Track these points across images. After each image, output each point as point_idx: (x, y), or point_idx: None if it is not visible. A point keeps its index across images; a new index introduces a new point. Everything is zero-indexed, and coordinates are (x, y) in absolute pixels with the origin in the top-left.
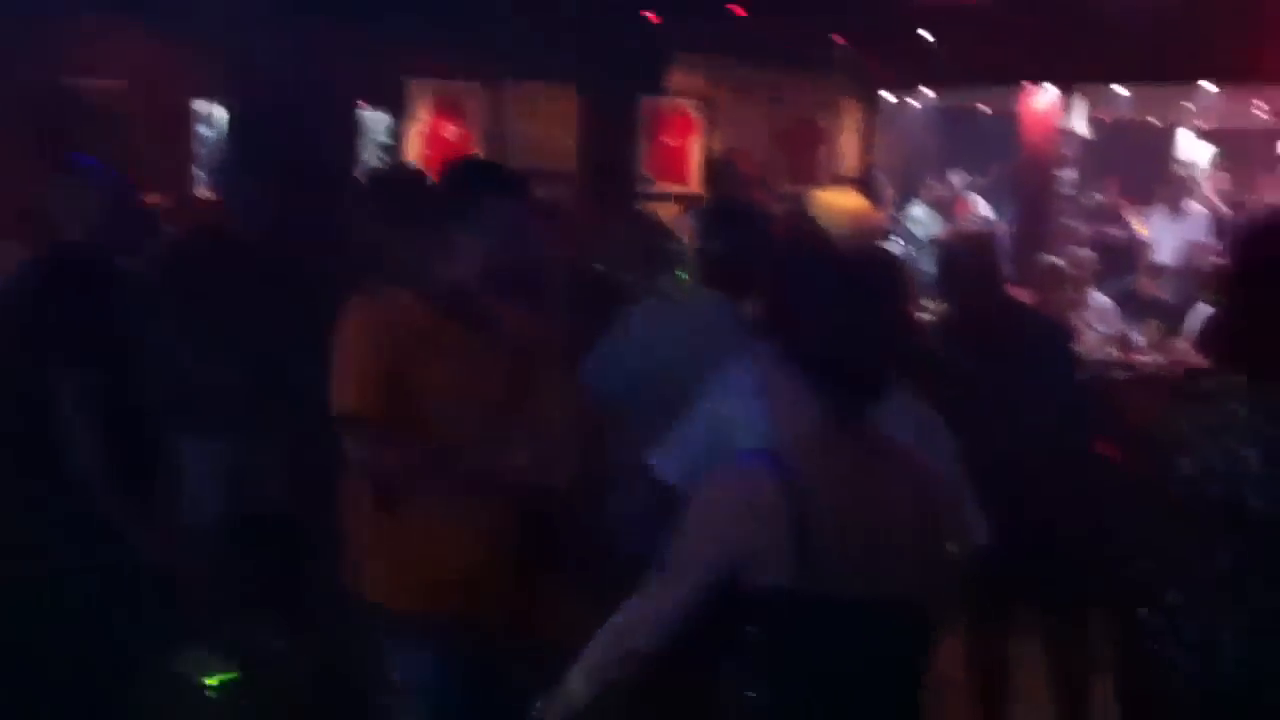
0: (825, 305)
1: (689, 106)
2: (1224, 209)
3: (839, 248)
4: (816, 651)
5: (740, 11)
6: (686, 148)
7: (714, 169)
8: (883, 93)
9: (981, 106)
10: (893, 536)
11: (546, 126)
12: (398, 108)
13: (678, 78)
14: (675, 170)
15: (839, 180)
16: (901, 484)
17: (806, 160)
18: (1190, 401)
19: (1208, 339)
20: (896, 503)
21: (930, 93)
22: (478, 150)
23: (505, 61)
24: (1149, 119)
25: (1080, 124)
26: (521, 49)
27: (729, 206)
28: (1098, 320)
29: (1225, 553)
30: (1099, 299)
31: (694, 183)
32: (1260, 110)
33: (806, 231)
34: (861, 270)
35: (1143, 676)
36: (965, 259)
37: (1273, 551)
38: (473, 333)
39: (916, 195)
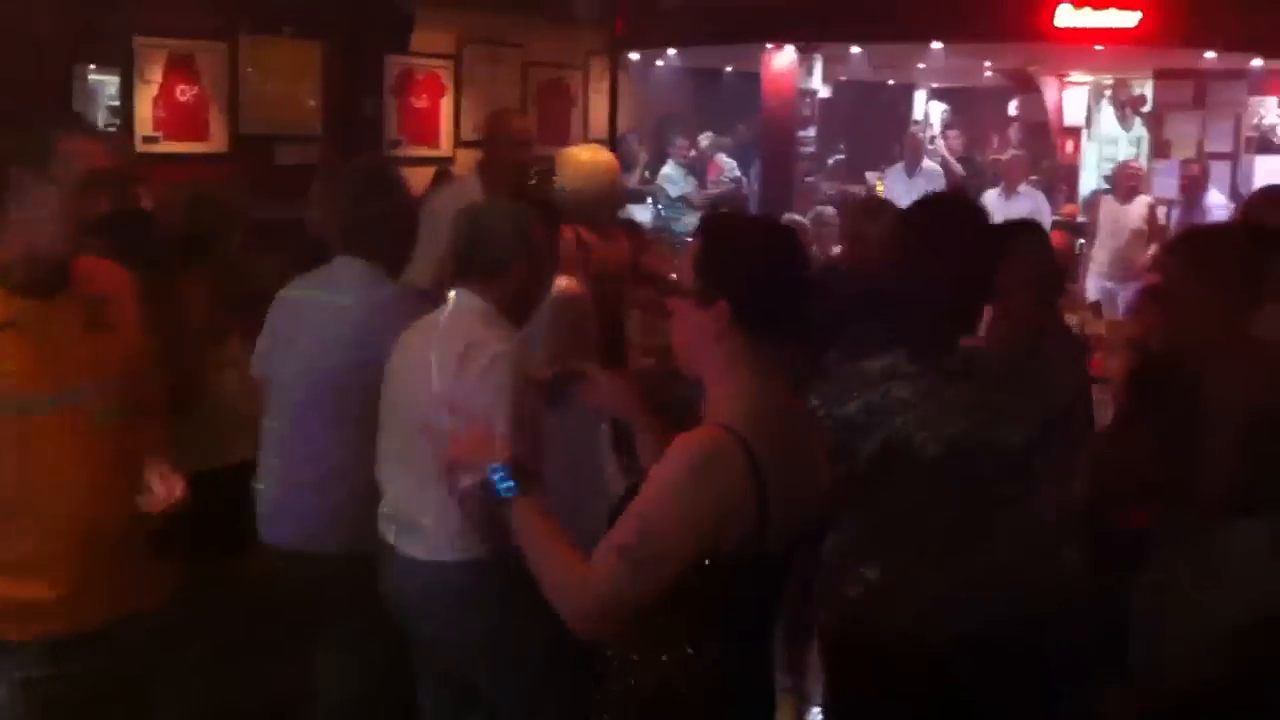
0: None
1: (438, 66)
2: (956, 166)
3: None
4: (759, 609)
5: None
6: (437, 109)
7: (488, 127)
8: (631, 54)
9: (728, 68)
10: (816, 491)
11: (288, 87)
12: (127, 68)
13: (425, 36)
14: (425, 132)
15: (592, 141)
16: (816, 441)
17: (559, 121)
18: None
19: None
20: (816, 459)
21: (674, 54)
22: (216, 112)
23: (243, 17)
24: (887, 79)
25: (819, 83)
26: (260, 3)
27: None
28: None
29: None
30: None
31: (445, 145)
32: (989, 70)
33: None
34: (780, 232)
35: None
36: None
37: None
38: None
39: (668, 155)
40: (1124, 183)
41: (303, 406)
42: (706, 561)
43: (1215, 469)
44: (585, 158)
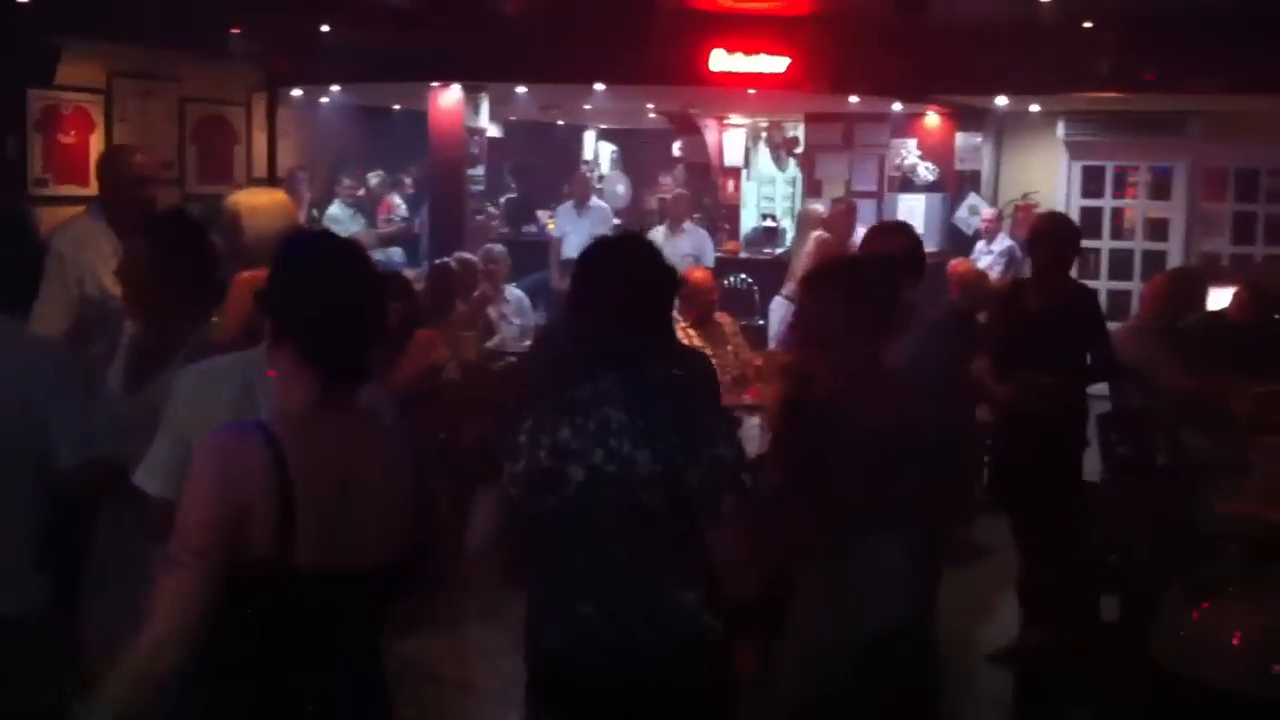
0: (307, 293)
1: (86, 101)
2: (627, 204)
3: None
4: (303, 623)
5: None
6: (86, 145)
7: (103, 164)
8: (295, 90)
9: (395, 105)
10: (369, 507)
11: None
12: None
13: (72, 69)
14: (73, 170)
15: (255, 180)
16: (381, 458)
17: (219, 158)
18: (567, 412)
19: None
20: (376, 475)
21: (341, 91)
22: None
23: None
24: (556, 119)
25: (486, 122)
26: None
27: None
28: (514, 313)
29: (620, 548)
30: (514, 292)
31: (94, 183)
32: (653, 112)
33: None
34: (335, 261)
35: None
36: None
37: (664, 545)
38: None
39: (335, 195)
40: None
41: None
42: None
43: (853, 491)
44: (262, 201)
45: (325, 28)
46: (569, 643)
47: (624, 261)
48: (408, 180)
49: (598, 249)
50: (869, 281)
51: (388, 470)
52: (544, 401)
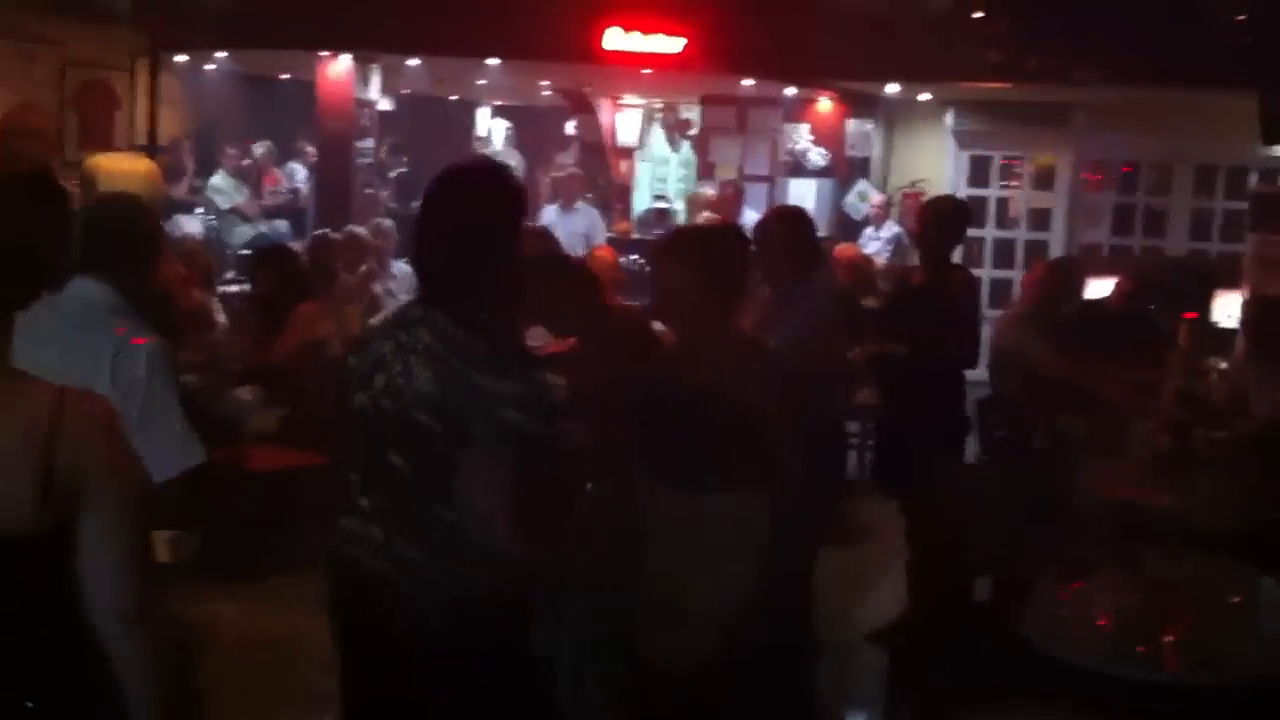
0: None
1: None
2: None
3: None
4: None
5: None
6: None
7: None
8: (180, 56)
9: (283, 75)
10: None
11: None
12: None
13: None
14: None
15: (136, 148)
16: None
17: (101, 125)
18: (395, 326)
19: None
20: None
21: (227, 58)
22: None
23: None
24: (449, 94)
25: (377, 95)
26: None
27: None
28: (401, 289)
29: (397, 460)
30: (401, 268)
31: None
32: (547, 89)
33: None
34: None
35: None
36: None
37: (437, 467)
38: None
39: (219, 164)
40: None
41: None
42: None
43: (701, 450)
44: (123, 166)
45: None
46: (341, 542)
47: (462, 195)
48: (310, 149)
49: (443, 179)
50: (719, 251)
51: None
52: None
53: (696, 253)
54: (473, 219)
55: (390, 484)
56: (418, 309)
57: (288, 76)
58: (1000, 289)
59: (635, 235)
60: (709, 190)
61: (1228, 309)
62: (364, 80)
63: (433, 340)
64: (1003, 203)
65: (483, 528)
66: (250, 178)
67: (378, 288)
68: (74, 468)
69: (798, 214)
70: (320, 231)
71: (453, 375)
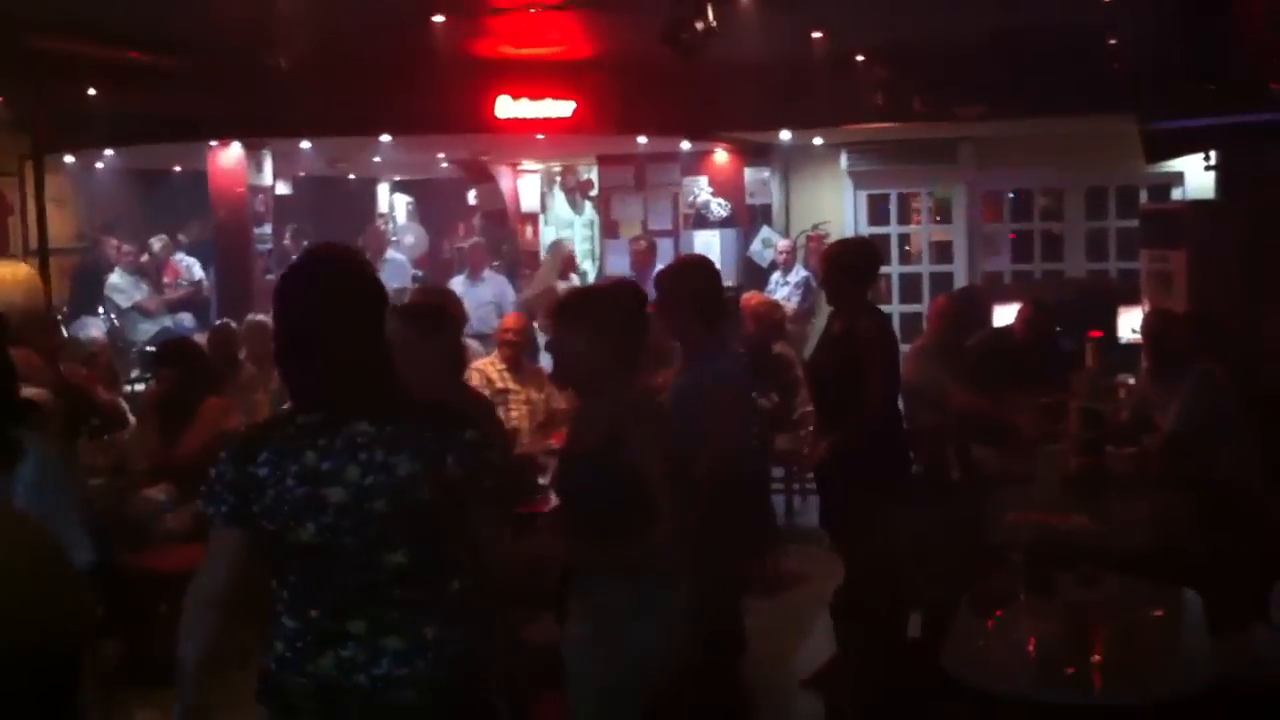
0: None
1: None
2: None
3: None
4: None
5: None
6: None
7: None
8: (68, 157)
9: (174, 168)
10: None
11: None
12: None
13: None
14: None
15: (29, 253)
16: None
17: None
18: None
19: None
20: None
21: (115, 155)
22: None
23: None
24: (347, 173)
25: (270, 179)
26: None
27: None
28: None
29: (398, 559)
30: None
31: None
32: (444, 161)
33: None
34: None
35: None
36: None
37: (441, 551)
38: None
39: (113, 263)
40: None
41: None
42: None
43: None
44: (5, 274)
45: (92, 91)
46: (335, 671)
47: (321, 294)
48: (182, 238)
49: (290, 280)
50: (609, 312)
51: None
52: (274, 430)
53: (585, 315)
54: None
55: (387, 587)
56: (325, 410)
57: (179, 169)
58: (910, 323)
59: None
60: (565, 243)
61: (1131, 324)
62: (257, 166)
63: (380, 426)
64: (904, 238)
65: (501, 568)
66: (150, 273)
67: None
68: None
69: (695, 264)
70: (221, 321)
71: (425, 451)
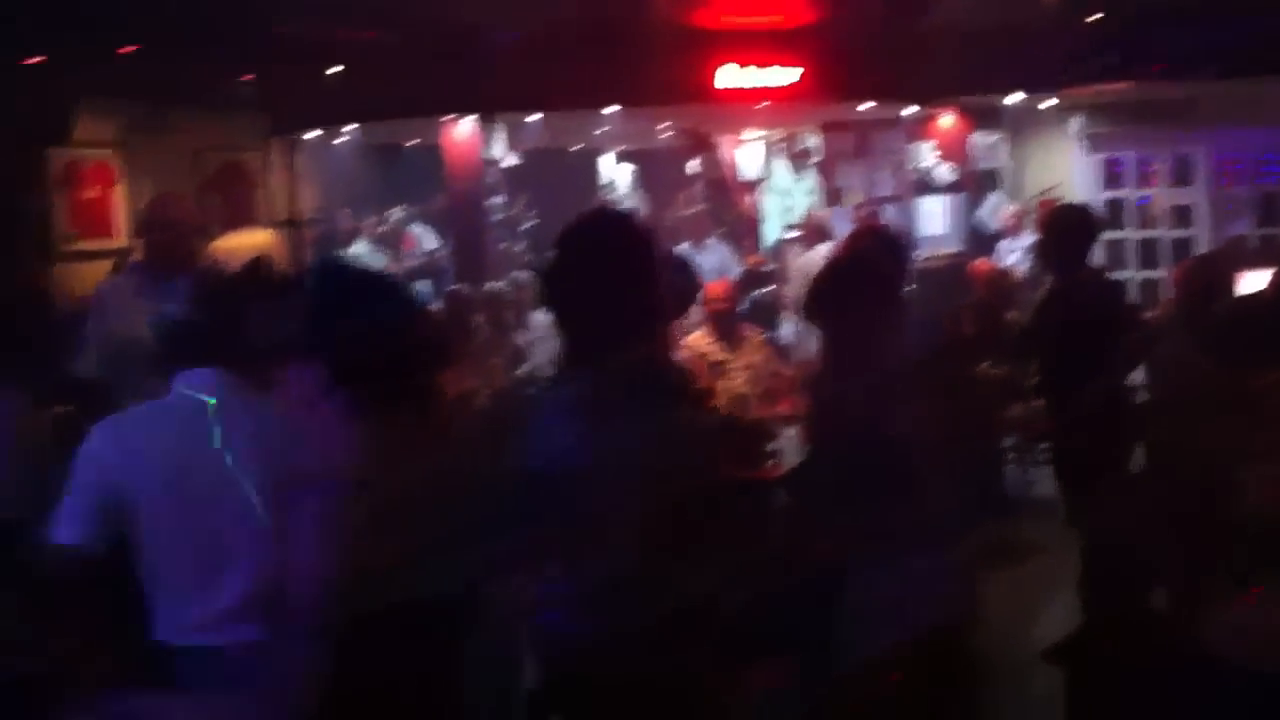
0: None
1: (105, 156)
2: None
3: None
4: None
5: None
6: (108, 200)
7: (146, 214)
8: (309, 132)
9: (410, 142)
10: None
11: None
12: None
13: (87, 125)
14: (99, 224)
15: (278, 223)
16: None
17: (243, 205)
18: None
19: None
20: None
21: (354, 131)
22: None
23: None
24: (572, 145)
25: (502, 152)
26: None
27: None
28: (540, 340)
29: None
30: (540, 318)
31: (121, 236)
32: (667, 131)
33: None
34: None
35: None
36: None
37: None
38: None
39: (359, 234)
40: (809, 231)
41: None
42: None
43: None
44: (243, 244)
45: (330, 70)
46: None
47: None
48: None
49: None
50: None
51: None
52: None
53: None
54: (610, 270)
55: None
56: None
57: (415, 142)
58: (1149, 290)
59: (770, 266)
60: (824, 214)
61: None
62: (488, 140)
63: (630, 400)
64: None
65: None
66: (388, 243)
67: (520, 339)
68: None
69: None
70: (455, 287)
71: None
